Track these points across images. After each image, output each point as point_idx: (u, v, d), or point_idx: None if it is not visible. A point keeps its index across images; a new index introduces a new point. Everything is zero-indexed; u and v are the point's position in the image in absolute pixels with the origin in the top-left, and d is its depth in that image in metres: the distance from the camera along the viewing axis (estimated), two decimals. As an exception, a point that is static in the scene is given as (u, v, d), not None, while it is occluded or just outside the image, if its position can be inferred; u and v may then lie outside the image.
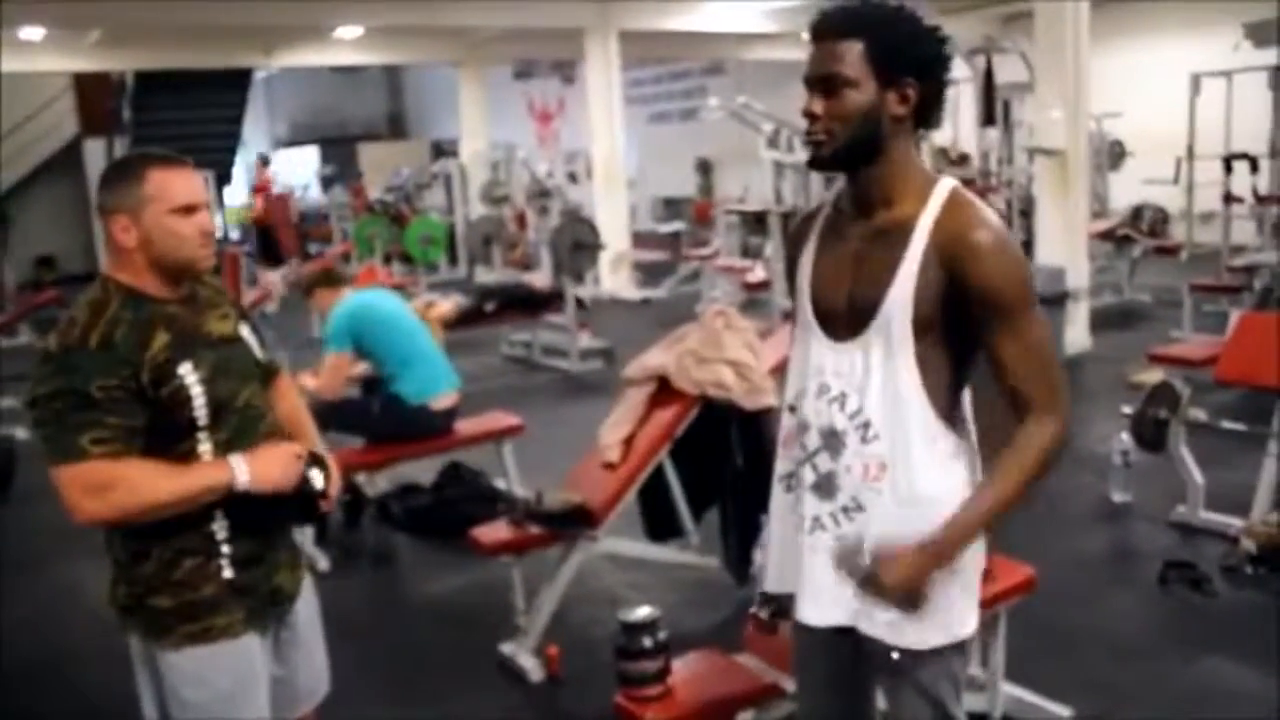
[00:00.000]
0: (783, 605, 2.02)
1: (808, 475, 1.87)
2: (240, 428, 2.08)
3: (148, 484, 1.94)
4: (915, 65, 1.78)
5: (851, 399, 1.81)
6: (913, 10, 1.79)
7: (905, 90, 1.77)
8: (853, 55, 1.75)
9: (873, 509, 1.81)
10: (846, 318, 1.82)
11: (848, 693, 2.04)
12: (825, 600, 1.87)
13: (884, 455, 1.80)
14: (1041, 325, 1.79)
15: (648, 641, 2.51)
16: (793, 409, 1.93)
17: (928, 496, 1.80)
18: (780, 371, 2.74)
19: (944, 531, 1.75)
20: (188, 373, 2.00)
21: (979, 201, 1.83)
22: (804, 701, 2.12)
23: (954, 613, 1.85)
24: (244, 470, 1.97)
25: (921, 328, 1.76)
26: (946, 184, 1.82)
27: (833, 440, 1.84)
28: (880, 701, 2.01)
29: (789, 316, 2.06)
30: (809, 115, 1.80)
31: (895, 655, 1.85)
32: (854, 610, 1.84)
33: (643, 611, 2.56)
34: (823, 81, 1.78)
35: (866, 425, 1.80)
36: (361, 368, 5.07)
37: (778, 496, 1.98)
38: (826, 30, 1.78)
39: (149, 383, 1.95)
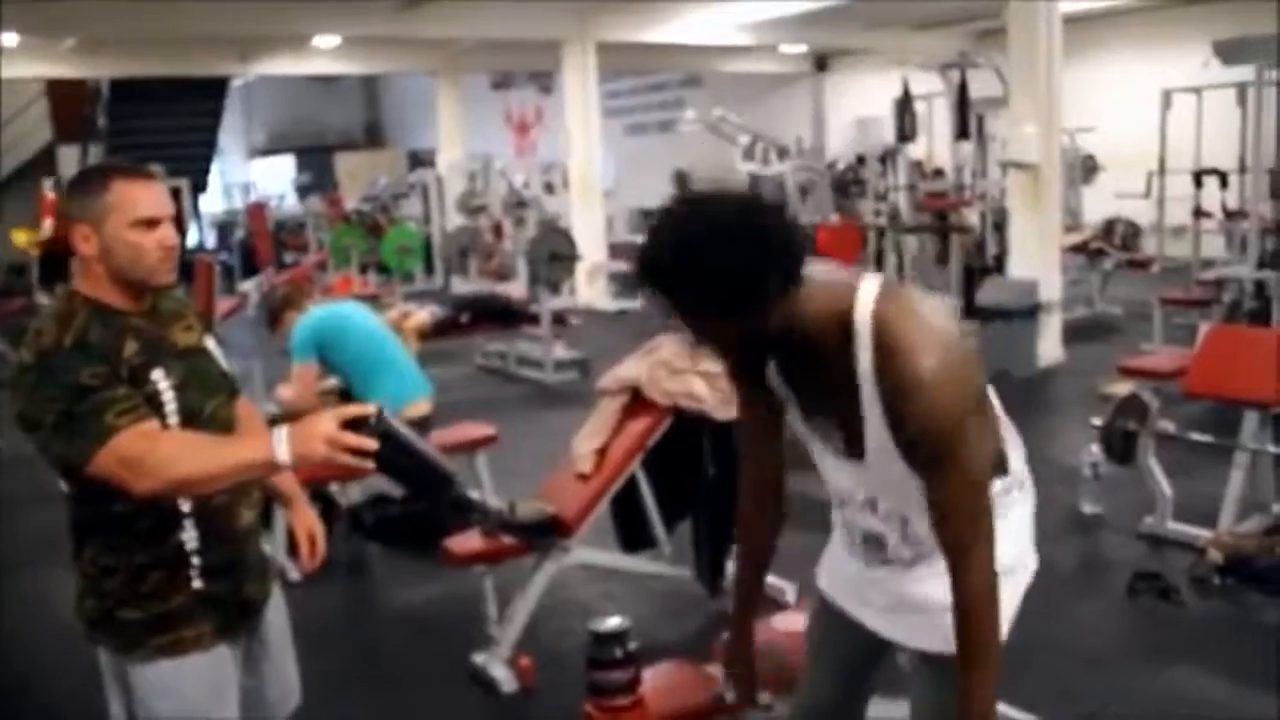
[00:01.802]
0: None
1: (857, 534, 1.97)
2: None
3: (186, 455, 1.90)
4: (731, 305, 1.60)
5: (881, 501, 1.87)
6: (705, 231, 1.59)
7: (749, 316, 1.62)
8: (684, 318, 1.66)
9: (915, 562, 1.90)
10: (845, 444, 1.85)
11: (854, 688, 2.12)
12: (867, 598, 1.97)
13: (925, 535, 1.84)
14: (970, 463, 1.70)
15: (618, 652, 2.50)
16: (840, 509, 2.01)
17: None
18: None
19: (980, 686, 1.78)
20: (160, 379, 2.00)
21: (909, 310, 1.68)
22: (807, 689, 2.15)
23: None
24: (284, 445, 1.83)
25: (898, 445, 1.78)
26: (866, 311, 1.68)
27: (875, 541, 1.93)
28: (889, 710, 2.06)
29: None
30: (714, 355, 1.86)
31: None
32: (873, 608, 1.96)
33: (613, 622, 2.56)
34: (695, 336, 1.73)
35: (905, 521, 1.86)
36: (330, 381, 5.05)
37: (835, 511, 2.04)
38: (648, 288, 1.65)
39: (128, 381, 1.94)
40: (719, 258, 1.55)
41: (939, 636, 1.84)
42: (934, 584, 1.82)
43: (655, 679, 2.62)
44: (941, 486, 1.71)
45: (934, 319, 1.68)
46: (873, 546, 1.93)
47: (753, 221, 1.59)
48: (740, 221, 1.58)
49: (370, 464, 1.80)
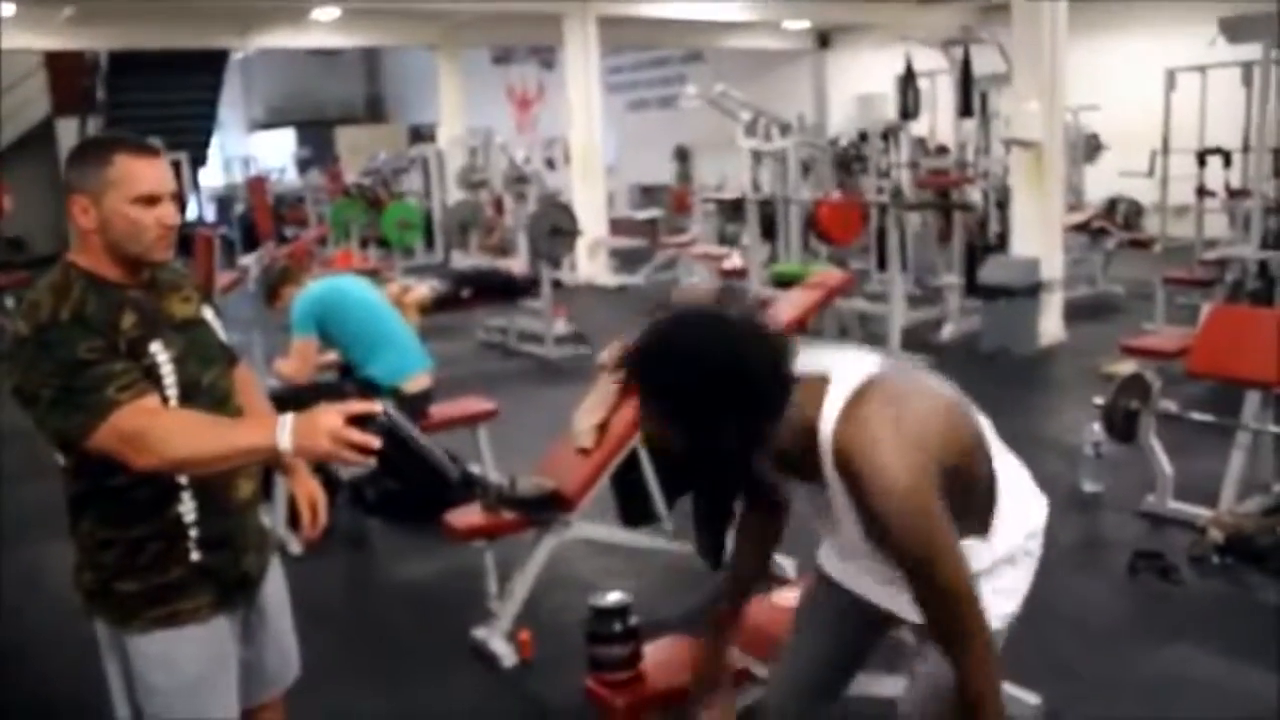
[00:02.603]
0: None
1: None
2: (207, 410, 2.06)
3: (188, 435, 1.89)
4: (695, 409, 1.65)
5: (878, 554, 1.85)
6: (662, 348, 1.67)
7: (721, 425, 1.65)
8: (655, 416, 1.70)
9: None
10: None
11: (847, 642, 2.12)
12: (844, 568, 2.03)
13: None
14: (950, 572, 1.71)
15: (618, 626, 2.51)
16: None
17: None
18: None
19: None
20: (159, 351, 1.98)
21: (871, 434, 1.69)
22: (793, 653, 2.17)
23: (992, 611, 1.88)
24: (287, 435, 1.82)
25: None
26: (827, 430, 1.72)
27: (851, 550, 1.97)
28: (887, 687, 2.07)
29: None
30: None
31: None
32: (883, 592, 1.97)
33: (614, 597, 2.56)
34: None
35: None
36: (330, 355, 5.04)
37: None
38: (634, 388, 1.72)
39: (126, 354, 1.93)
40: (696, 402, 1.62)
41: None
42: None
43: (656, 654, 2.62)
44: (923, 596, 1.75)
45: (899, 433, 1.68)
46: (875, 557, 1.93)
47: (737, 371, 1.62)
48: (725, 374, 1.62)
49: (373, 461, 1.81)
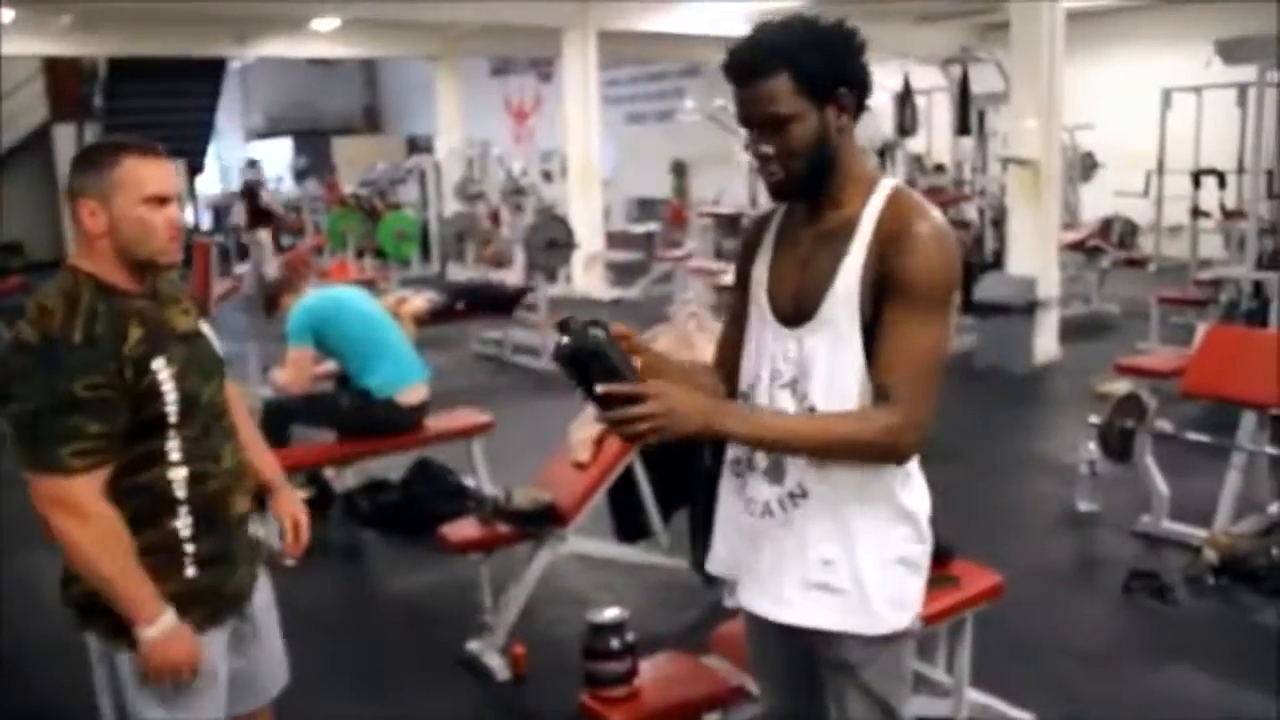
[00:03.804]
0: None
1: (760, 460, 1.88)
2: (205, 425, 2.06)
3: (100, 544, 1.91)
4: (841, 74, 1.77)
5: (800, 384, 1.82)
6: (813, 17, 1.77)
7: (842, 101, 1.77)
8: (783, 89, 1.73)
9: (816, 493, 1.82)
10: (795, 311, 1.84)
11: (804, 691, 2.05)
12: (766, 589, 1.90)
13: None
14: (935, 338, 1.74)
15: (615, 643, 2.50)
16: (745, 396, 1.93)
17: (868, 481, 1.81)
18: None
19: (741, 412, 1.76)
20: (160, 368, 1.97)
21: (923, 199, 1.83)
22: (764, 701, 2.13)
23: (900, 599, 1.85)
24: (160, 629, 1.93)
25: (865, 318, 1.77)
26: (888, 183, 1.84)
27: (774, 466, 1.86)
28: (828, 703, 2.00)
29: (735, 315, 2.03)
30: (762, 158, 1.79)
31: (841, 656, 1.87)
32: (791, 604, 1.86)
33: (611, 613, 2.55)
34: (764, 123, 1.76)
35: (812, 410, 1.81)
36: (327, 365, 5.03)
37: (727, 481, 1.99)
38: (746, 71, 1.75)
39: (130, 378, 1.92)
40: (830, 31, 1.76)
41: (838, 611, 1.83)
42: (826, 546, 1.82)
43: (652, 670, 2.61)
44: (902, 336, 1.73)
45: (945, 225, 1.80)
46: (771, 474, 1.86)
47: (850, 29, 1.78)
48: (839, 25, 1.78)
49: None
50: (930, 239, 1.74)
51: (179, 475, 2.01)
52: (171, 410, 1.98)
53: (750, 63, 1.74)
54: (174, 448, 2.00)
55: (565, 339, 1.62)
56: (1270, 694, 3.34)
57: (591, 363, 1.60)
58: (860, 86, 1.79)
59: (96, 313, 1.92)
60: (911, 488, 1.87)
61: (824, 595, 1.83)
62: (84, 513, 1.88)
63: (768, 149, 1.77)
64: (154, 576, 1.97)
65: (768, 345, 1.88)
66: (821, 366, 1.79)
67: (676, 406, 1.62)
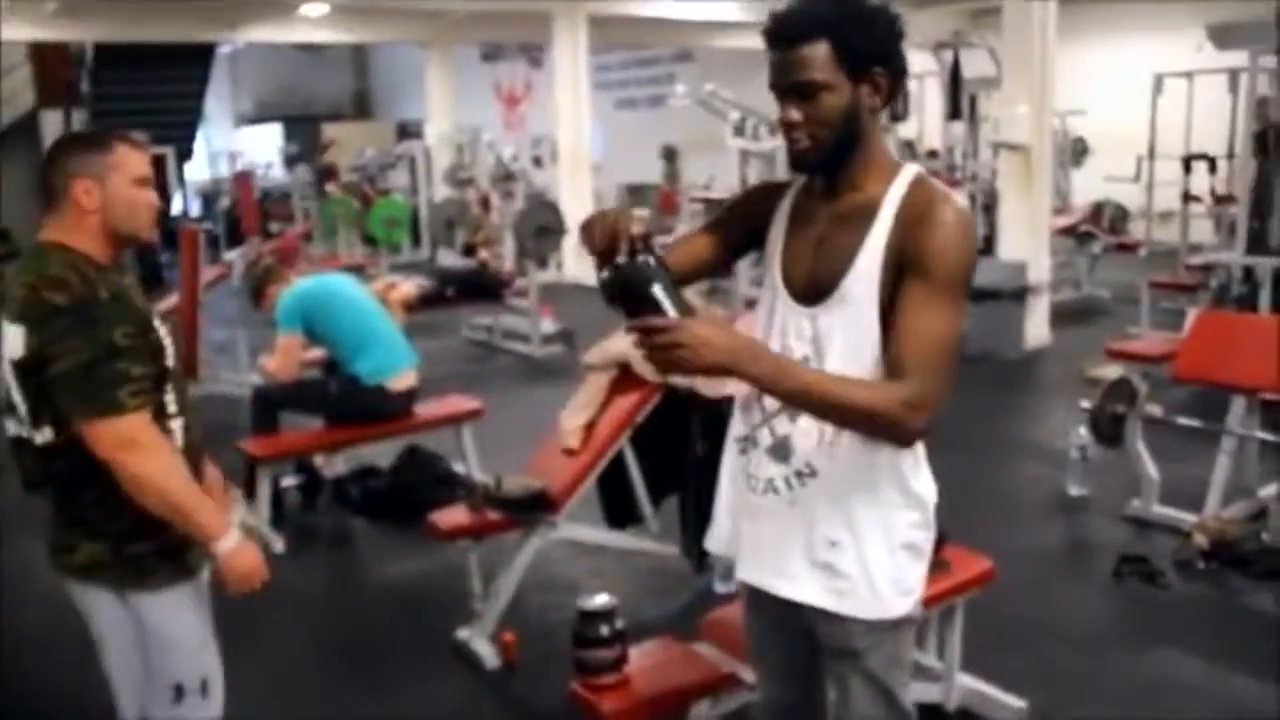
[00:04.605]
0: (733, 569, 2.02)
1: (764, 438, 1.87)
2: (180, 381, 2.22)
3: (170, 471, 2.05)
4: (881, 54, 1.76)
5: (812, 363, 1.80)
6: None
7: (877, 80, 1.76)
8: (821, 58, 1.72)
9: (825, 473, 1.81)
10: (811, 289, 1.82)
11: (803, 679, 2.04)
12: (766, 563, 1.89)
13: (837, 437, 1.79)
14: (953, 321, 1.72)
15: (605, 630, 2.49)
16: None
17: (878, 464, 1.80)
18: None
19: (770, 356, 1.70)
20: (159, 325, 2.16)
21: (944, 186, 1.83)
22: (762, 690, 2.12)
23: (904, 584, 1.84)
24: (233, 540, 2.11)
25: (884, 300, 1.75)
26: (912, 168, 1.83)
27: (782, 445, 1.85)
28: (829, 691, 2.00)
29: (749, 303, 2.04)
30: (789, 124, 1.77)
31: (844, 642, 1.86)
32: (795, 580, 1.84)
33: (600, 599, 2.54)
34: (797, 89, 1.75)
35: None
36: (315, 352, 5.01)
37: (731, 459, 1.98)
38: (787, 35, 1.74)
39: (147, 331, 2.10)
40: (877, 10, 1.76)
41: (844, 595, 1.82)
42: (833, 527, 1.81)
43: (642, 657, 2.60)
44: (918, 316, 1.70)
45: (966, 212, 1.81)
46: (777, 452, 1.85)
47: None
48: (886, 7, 1.79)
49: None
50: (954, 224, 1.73)
51: (177, 426, 2.17)
52: (170, 364, 2.16)
53: (793, 27, 1.74)
54: (171, 400, 2.16)
55: (617, 264, 1.63)
56: (1260, 678, 3.34)
57: (635, 290, 1.61)
58: (897, 72, 1.79)
59: (104, 277, 2.08)
60: (920, 474, 1.86)
61: (829, 577, 1.82)
62: (149, 445, 2.03)
63: (796, 115, 1.76)
64: (152, 526, 2.09)
65: (779, 322, 1.87)
66: (837, 346, 1.78)
67: (708, 340, 1.59)
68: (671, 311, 1.60)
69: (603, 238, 1.66)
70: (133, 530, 2.10)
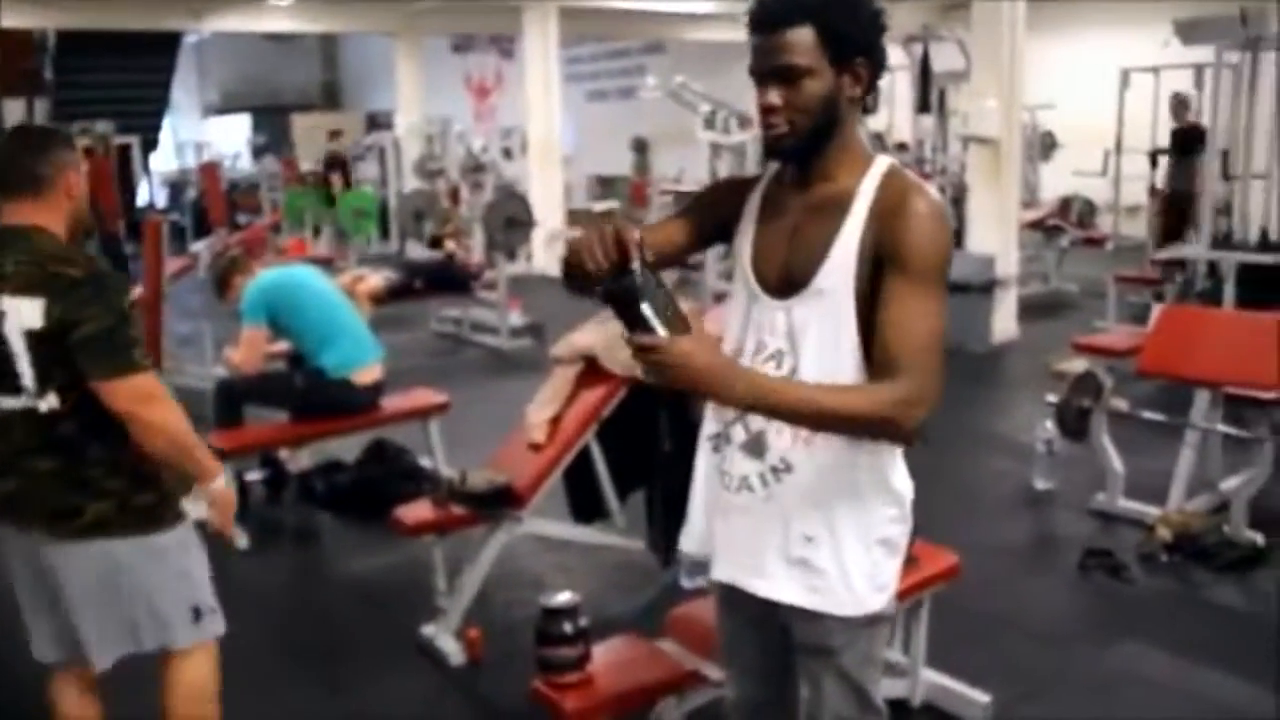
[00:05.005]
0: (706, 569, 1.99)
1: (738, 434, 1.84)
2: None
3: (180, 420, 2.33)
4: (864, 44, 1.75)
5: (788, 358, 1.78)
6: None
7: (858, 71, 1.75)
8: (805, 43, 1.70)
9: (801, 470, 1.79)
10: (784, 282, 1.80)
11: (776, 677, 2.03)
12: (741, 561, 1.87)
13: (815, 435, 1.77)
14: (938, 312, 1.70)
15: (568, 627, 2.46)
16: None
17: (855, 460, 1.78)
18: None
19: (746, 378, 1.66)
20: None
21: (917, 177, 1.82)
22: (733, 689, 2.10)
23: (880, 580, 1.83)
24: (224, 479, 2.49)
25: (861, 292, 1.73)
26: (885, 159, 1.81)
27: (756, 441, 1.83)
28: (801, 689, 1.98)
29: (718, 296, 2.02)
30: (767, 108, 1.75)
31: (819, 639, 1.84)
32: (772, 578, 1.83)
33: (563, 597, 2.52)
34: (778, 73, 1.73)
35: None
36: (280, 345, 4.96)
37: (704, 456, 1.95)
38: (773, 19, 1.72)
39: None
40: (866, 6, 1.76)
41: (819, 592, 1.80)
42: (809, 523, 1.79)
43: (605, 655, 2.58)
44: (903, 310, 1.68)
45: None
46: (751, 448, 1.83)
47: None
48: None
49: None
50: (929, 216, 1.71)
51: None
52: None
53: (780, 10, 1.72)
54: None
55: (606, 284, 1.64)
56: (1222, 671, 3.37)
57: (625, 307, 1.62)
58: (877, 65, 1.77)
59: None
60: (898, 468, 1.85)
61: (805, 574, 1.80)
62: (161, 397, 2.30)
63: (776, 100, 1.73)
64: (155, 471, 2.39)
65: (753, 315, 1.84)
66: (812, 339, 1.76)
67: (689, 362, 1.58)
68: (659, 328, 1.59)
69: (607, 256, 1.63)
70: (133, 485, 2.35)
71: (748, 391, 1.63)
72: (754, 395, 1.64)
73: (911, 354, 1.67)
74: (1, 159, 2.35)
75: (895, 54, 10.05)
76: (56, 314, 2.19)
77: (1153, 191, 9.79)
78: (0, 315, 2.23)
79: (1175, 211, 8.78)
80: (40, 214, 2.30)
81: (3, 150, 2.41)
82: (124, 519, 2.33)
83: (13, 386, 2.25)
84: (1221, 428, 4.51)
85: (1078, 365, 5.45)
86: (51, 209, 2.31)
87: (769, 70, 1.73)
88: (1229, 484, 4.50)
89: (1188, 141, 8.81)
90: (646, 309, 1.60)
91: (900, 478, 1.86)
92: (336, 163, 14.26)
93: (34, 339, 2.21)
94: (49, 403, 2.25)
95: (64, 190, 2.32)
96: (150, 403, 2.26)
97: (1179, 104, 9.15)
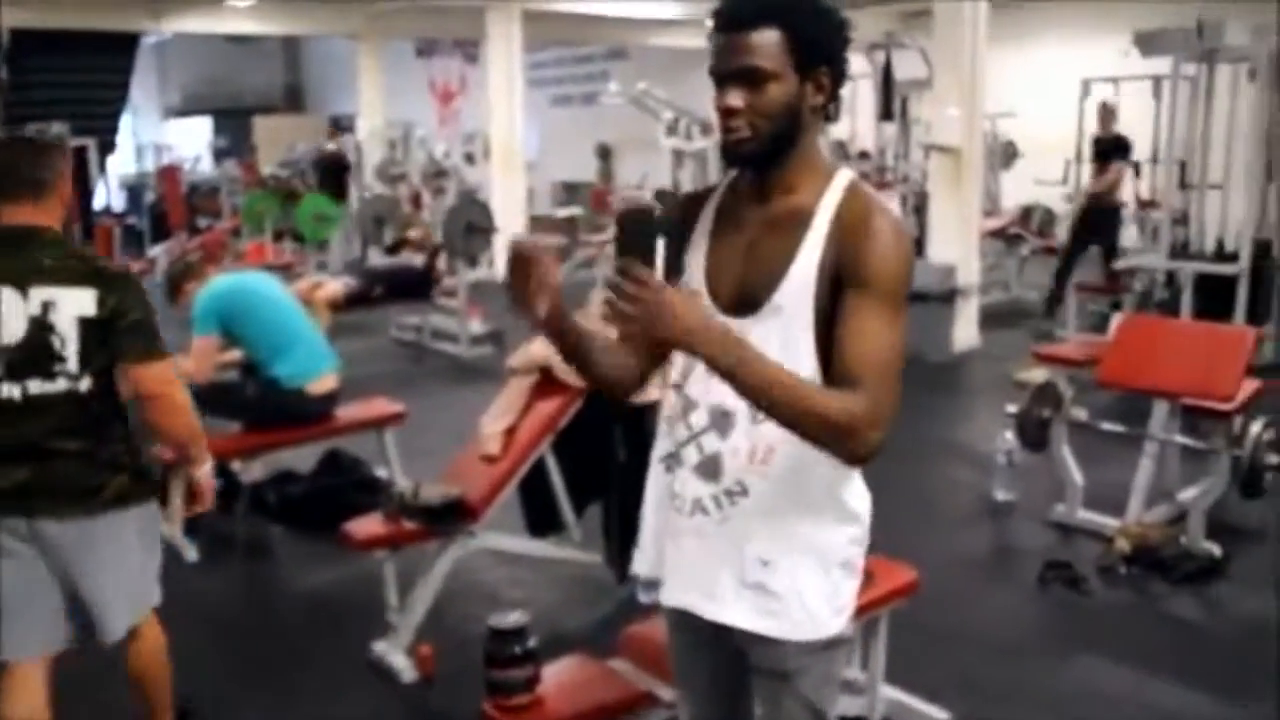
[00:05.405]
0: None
1: (691, 455, 1.79)
2: None
3: (190, 402, 2.69)
4: (829, 54, 1.72)
5: None
6: None
7: (821, 80, 1.71)
8: (772, 45, 1.66)
9: (757, 492, 1.73)
10: (741, 300, 1.74)
11: (729, 701, 1.98)
12: (694, 586, 1.81)
13: (773, 437, 1.71)
14: (898, 333, 1.66)
15: (517, 649, 2.41)
16: (678, 387, 1.83)
17: (812, 480, 1.73)
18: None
19: (735, 342, 1.59)
20: None
21: (877, 194, 1.78)
22: (685, 709, 2.05)
23: (838, 602, 1.79)
24: (209, 470, 2.86)
25: (820, 311, 1.68)
26: (846, 174, 1.77)
27: (722, 420, 1.76)
28: (756, 709, 1.93)
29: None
30: (727, 111, 1.69)
31: (776, 664, 1.80)
32: (725, 603, 1.77)
33: (512, 617, 2.46)
34: (742, 75, 1.68)
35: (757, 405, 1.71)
36: (233, 354, 4.87)
37: (656, 478, 1.89)
38: (740, 20, 1.68)
39: None
40: (830, 10, 1.73)
41: (776, 617, 1.75)
42: (764, 545, 1.74)
43: (556, 676, 2.53)
44: (861, 325, 1.64)
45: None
46: (706, 470, 1.77)
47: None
48: (838, 10, 1.76)
49: None
50: (890, 233, 1.67)
51: None
52: None
53: (748, 10, 1.68)
54: None
55: (634, 208, 1.60)
56: (1179, 684, 3.37)
57: (638, 238, 1.60)
58: (840, 74, 1.74)
59: None
60: (855, 487, 1.80)
61: (761, 598, 1.75)
62: (178, 382, 2.64)
63: (737, 102, 1.68)
64: (142, 452, 2.66)
65: None
66: (772, 359, 1.67)
67: (676, 311, 1.52)
68: (659, 271, 1.55)
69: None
70: (136, 459, 2.61)
71: (733, 355, 1.57)
72: (735, 361, 1.57)
73: (872, 373, 1.62)
74: (4, 163, 2.53)
75: (858, 61, 10.07)
76: (111, 303, 2.46)
77: (1142, 203, 9.89)
78: (50, 304, 2.44)
79: (1087, 222, 8.83)
80: (40, 216, 2.50)
81: (4, 155, 2.59)
82: (138, 490, 2.60)
83: (48, 372, 2.46)
84: (1179, 439, 4.52)
85: (1038, 375, 5.45)
86: (49, 212, 2.51)
87: (732, 71, 1.68)
88: (1186, 495, 4.52)
89: (1109, 151, 8.90)
90: (660, 244, 1.58)
91: (858, 497, 1.81)
92: (333, 165, 13.76)
93: (86, 326, 2.46)
94: (85, 384, 2.49)
95: (60, 195, 2.53)
96: (175, 385, 2.60)
97: (1106, 112, 9.17)
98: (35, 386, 2.44)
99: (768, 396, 1.59)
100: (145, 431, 2.68)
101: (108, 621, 2.59)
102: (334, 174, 13.47)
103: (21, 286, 2.44)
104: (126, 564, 2.60)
